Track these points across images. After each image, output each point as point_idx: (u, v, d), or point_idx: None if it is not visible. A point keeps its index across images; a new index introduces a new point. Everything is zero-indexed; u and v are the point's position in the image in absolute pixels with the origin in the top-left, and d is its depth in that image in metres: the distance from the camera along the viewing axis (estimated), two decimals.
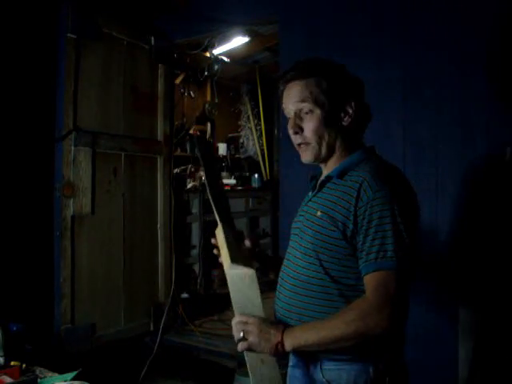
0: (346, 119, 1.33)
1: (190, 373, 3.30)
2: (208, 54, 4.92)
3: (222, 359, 3.30)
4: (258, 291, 1.25)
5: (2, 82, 2.88)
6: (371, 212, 1.18)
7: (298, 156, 1.42)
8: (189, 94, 5.40)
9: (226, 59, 5.09)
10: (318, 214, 1.29)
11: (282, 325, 1.24)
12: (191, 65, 5.04)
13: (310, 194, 1.41)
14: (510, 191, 2.21)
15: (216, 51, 4.86)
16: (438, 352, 2.34)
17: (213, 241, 1.43)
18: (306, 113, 1.32)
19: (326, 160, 1.37)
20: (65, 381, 1.51)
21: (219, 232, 1.38)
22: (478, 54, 2.32)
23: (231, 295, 1.28)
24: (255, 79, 5.69)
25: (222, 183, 1.46)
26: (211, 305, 4.32)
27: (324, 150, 1.34)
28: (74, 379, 1.51)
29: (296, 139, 1.35)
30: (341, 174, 1.30)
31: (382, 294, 1.14)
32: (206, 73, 5.26)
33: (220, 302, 4.45)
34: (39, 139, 3.05)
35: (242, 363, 3.07)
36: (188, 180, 4.64)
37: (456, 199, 2.39)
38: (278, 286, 1.38)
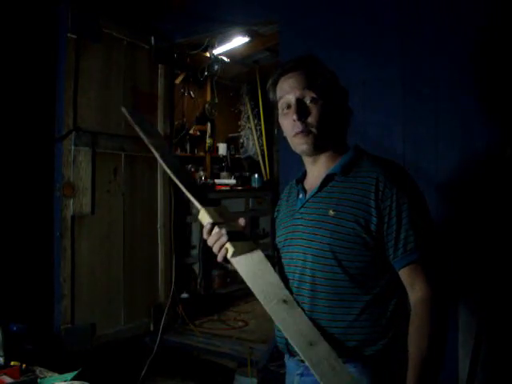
0: (342, 114, 1.35)
1: (190, 373, 3.30)
2: (208, 54, 4.92)
3: (222, 359, 3.30)
4: (271, 267, 1.24)
5: (2, 82, 2.89)
6: (398, 204, 1.21)
7: (298, 156, 1.40)
8: (189, 93, 5.41)
9: (226, 59, 5.09)
10: (331, 212, 1.25)
11: None
12: (191, 65, 5.05)
13: (302, 196, 1.37)
14: (509, 190, 2.21)
15: (216, 51, 4.86)
16: None
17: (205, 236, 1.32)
18: (311, 101, 1.29)
19: (318, 152, 1.34)
20: (65, 381, 1.51)
21: (204, 218, 1.28)
22: (477, 54, 2.32)
23: (248, 283, 1.23)
24: (255, 79, 5.70)
25: (177, 157, 1.37)
26: (211, 305, 4.32)
27: (322, 141, 1.31)
28: (73, 379, 1.51)
29: (296, 126, 1.30)
30: (345, 170, 1.30)
31: (431, 286, 1.19)
32: (205, 73, 5.26)
33: (220, 301, 4.46)
34: (39, 139, 3.05)
35: (241, 363, 3.07)
36: None
37: (455, 198, 2.39)
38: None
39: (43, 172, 3.04)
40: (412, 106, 2.50)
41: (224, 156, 5.77)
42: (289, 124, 1.32)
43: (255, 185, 5.47)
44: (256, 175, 5.51)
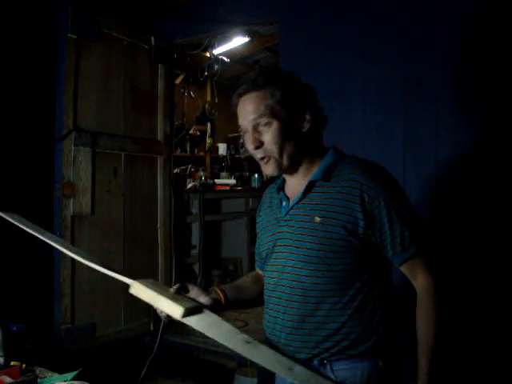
0: (305, 126, 1.32)
1: (190, 373, 3.29)
2: (208, 54, 4.92)
3: (222, 359, 3.30)
4: (222, 320, 1.24)
5: (2, 82, 2.88)
6: (387, 204, 1.24)
7: None
8: (189, 93, 5.41)
9: (226, 59, 5.09)
10: (317, 219, 1.27)
11: None
12: (191, 65, 5.05)
13: (285, 203, 1.38)
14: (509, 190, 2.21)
15: (216, 51, 4.86)
16: None
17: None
18: (264, 125, 1.30)
19: (290, 170, 1.35)
20: (65, 381, 1.51)
21: (140, 290, 1.24)
22: (475, 54, 2.32)
23: (207, 334, 1.21)
24: None
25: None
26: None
27: (286, 161, 1.32)
28: (74, 379, 1.51)
29: (257, 154, 1.34)
30: (326, 176, 1.31)
31: (431, 274, 1.25)
32: (205, 73, 5.26)
33: None
34: (39, 139, 3.05)
35: (241, 363, 3.07)
36: (188, 180, 4.64)
37: (457, 199, 2.38)
38: (276, 299, 1.34)
39: (43, 172, 3.03)
40: (412, 107, 2.50)
41: (224, 156, 5.77)
42: (251, 150, 1.36)
43: (255, 185, 5.47)
44: (256, 175, 5.50)
